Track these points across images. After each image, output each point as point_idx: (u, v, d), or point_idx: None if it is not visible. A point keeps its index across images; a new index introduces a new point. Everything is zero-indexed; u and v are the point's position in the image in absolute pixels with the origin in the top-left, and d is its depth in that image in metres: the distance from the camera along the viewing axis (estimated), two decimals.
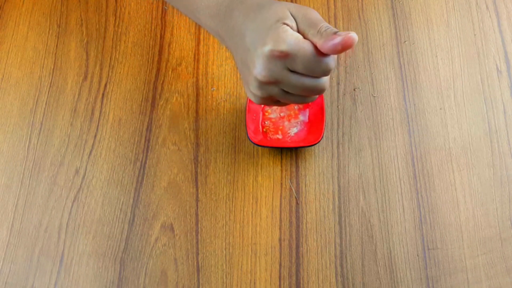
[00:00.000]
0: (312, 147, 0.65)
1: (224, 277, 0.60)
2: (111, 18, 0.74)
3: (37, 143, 0.67)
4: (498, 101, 0.68)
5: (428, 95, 0.68)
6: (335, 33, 0.46)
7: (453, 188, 0.63)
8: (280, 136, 0.66)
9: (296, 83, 0.49)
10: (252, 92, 0.51)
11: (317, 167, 0.65)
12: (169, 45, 0.72)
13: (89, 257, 0.61)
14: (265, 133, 0.66)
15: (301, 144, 0.64)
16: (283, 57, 0.47)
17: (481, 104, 0.68)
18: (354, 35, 0.46)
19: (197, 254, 0.61)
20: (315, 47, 0.47)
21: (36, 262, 0.61)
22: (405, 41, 0.72)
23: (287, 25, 0.48)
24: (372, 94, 0.68)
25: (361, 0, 0.74)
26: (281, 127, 0.66)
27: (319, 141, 0.63)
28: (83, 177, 0.65)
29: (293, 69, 0.48)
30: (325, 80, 0.50)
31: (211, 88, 0.69)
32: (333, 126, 0.67)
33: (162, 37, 0.72)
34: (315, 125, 0.65)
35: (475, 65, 0.70)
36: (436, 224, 0.62)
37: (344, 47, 0.46)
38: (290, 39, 0.46)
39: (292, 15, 0.49)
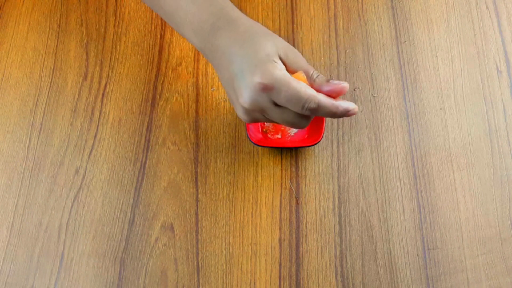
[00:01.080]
0: (312, 147, 0.65)
1: (224, 277, 0.60)
2: (111, 18, 0.74)
3: (37, 143, 0.67)
4: (498, 101, 0.68)
5: (428, 95, 0.68)
6: (327, 81, 0.52)
7: (453, 188, 0.63)
8: (280, 136, 0.66)
9: (278, 115, 0.52)
10: (239, 114, 0.54)
11: (317, 167, 0.65)
12: (169, 45, 0.72)
13: (89, 257, 0.61)
14: (265, 133, 0.66)
15: (301, 144, 0.64)
16: (269, 90, 0.49)
17: (481, 104, 0.68)
18: (345, 87, 0.51)
19: (197, 254, 0.61)
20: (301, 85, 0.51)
21: (36, 262, 0.61)
22: (405, 41, 0.72)
23: (275, 62, 0.51)
24: (372, 94, 0.68)
25: (361, 0, 0.74)
26: (282, 128, 0.66)
27: (319, 141, 0.63)
28: (83, 177, 0.65)
29: (277, 102, 0.51)
30: (307, 120, 0.53)
31: (211, 88, 0.69)
32: (333, 126, 0.67)
33: (162, 37, 0.72)
34: (315, 125, 0.65)
35: (475, 65, 0.70)
36: (436, 224, 0.62)
37: (337, 94, 0.52)
38: (278, 73, 0.49)
39: (279, 52, 0.52)
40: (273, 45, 0.51)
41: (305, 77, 0.53)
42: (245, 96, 0.50)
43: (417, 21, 0.73)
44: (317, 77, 0.53)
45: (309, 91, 0.50)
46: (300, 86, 0.49)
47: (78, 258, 0.61)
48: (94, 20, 0.74)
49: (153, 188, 0.64)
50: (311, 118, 0.54)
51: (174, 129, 0.67)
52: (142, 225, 0.63)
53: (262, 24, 0.57)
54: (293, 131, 0.66)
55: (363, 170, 0.65)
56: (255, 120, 0.54)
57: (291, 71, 0.52)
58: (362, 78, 0.69)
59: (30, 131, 0.68)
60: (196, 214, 0.63)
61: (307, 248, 0.61)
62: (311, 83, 0.53)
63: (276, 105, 0.51)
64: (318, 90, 0.52)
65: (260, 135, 0.65)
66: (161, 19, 0.74)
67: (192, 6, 0.54)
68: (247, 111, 0.52)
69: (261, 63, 0.49)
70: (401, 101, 0.68)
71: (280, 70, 0.49)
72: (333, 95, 0.52)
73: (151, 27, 0.73)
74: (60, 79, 0.70)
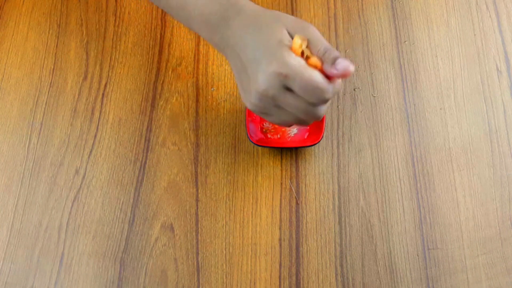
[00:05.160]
0: (312, 147, 0.65)
1: (224, 277, 0.60)
2: (111, 18, 0.74)
3: (37, 143, 0.67)
4: (498, 101, 0.68)
5: (428, 95, 0.68)
6: (334, 60, 0.49)
7: (453, 188, 0.63)
8: (279, 136, 0.66)
9: (292, 102, 0.51)
10: (251, 101, 0.53)
11: (317, 167, 0.65)
12: (169, 45, 0.72)
13: (89, 257, 0.61)
14: (265, 133, 0.66)
15: (301, 144, 0.64)
16: (284, 78, 0.49)
17: (481, 104, 0.68)
18: (351, 69, 0.49)
19: (197, 254, 0.61)
20: (318, 71, 0.50)
21: (36, 262, 0.61)
22: (405, 41, 0.72)
23: (288, 45, 0.50)
24: (372, 94, 0.68)
25: (361, 0, 0.74)
26: (283, 129, 0.66)
27: (319, 141, 0.63)
28: (83, 177, 0.65)
29: (291, 89, 0.50)
30: (321, 109, 0.52)
31: (211, 88, 0.69)
32: (333, 126, 0.67)
33: (162, 37, 0.72)
34: (315, 125, 0.65)
35: (475, 65, 0.70)
36: (436, 224, 0.62)
37: (342, 77, 0.50)
38: (293, 63, 0.49)
39: (289, 33, 0.51)
40: (282, 26, 0.51)
41: (300, 45, 0.51)
42: (260, 80, 0.50)
43: (417, 21, 0.73)
44: (324, 54, 0.50)
45: (325, 82, 0.49)
46: (315, 75, 0.49)
47: (78, 258, 0.61)
48: (94, 20, 0.74)
49: (153, 188, 0.64)
50: (325, 108, 0.53)
51: (174, 129, 0.67)
52: (142, 225, 0.63)
53: None
54: (293, 131, 0.66)
55: (363, 170, 0.65)
56: (264, 110, 0.53)
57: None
58: (362, 78, 0.69)
59: (30, 131, 0.68)
60: (196, 214, 0.63)
61: (307, 248, 0.61)
62: (317, 56, 0.51)
63: (290, 91, 0.51)
64: (321, 68, 0.50)
65: (260, 135, 0.65)
66: (161, 19, 0.73)
67: None
68: (260, 96, 0.51)
69: (275, 51, 0.49)
70: (401, 101, 0.68)
71: (294, 59, 0.49)
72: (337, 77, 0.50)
73: (151, 27, 0.73)
74: (60, 79, 0.70)
